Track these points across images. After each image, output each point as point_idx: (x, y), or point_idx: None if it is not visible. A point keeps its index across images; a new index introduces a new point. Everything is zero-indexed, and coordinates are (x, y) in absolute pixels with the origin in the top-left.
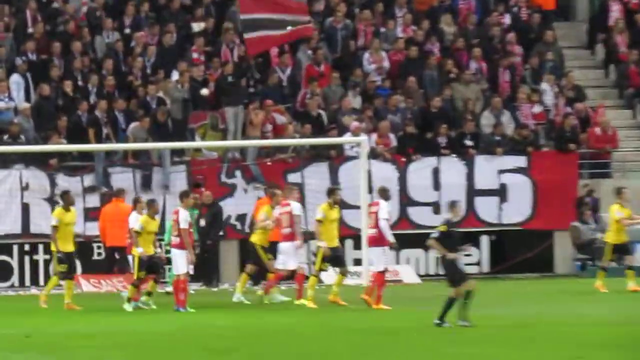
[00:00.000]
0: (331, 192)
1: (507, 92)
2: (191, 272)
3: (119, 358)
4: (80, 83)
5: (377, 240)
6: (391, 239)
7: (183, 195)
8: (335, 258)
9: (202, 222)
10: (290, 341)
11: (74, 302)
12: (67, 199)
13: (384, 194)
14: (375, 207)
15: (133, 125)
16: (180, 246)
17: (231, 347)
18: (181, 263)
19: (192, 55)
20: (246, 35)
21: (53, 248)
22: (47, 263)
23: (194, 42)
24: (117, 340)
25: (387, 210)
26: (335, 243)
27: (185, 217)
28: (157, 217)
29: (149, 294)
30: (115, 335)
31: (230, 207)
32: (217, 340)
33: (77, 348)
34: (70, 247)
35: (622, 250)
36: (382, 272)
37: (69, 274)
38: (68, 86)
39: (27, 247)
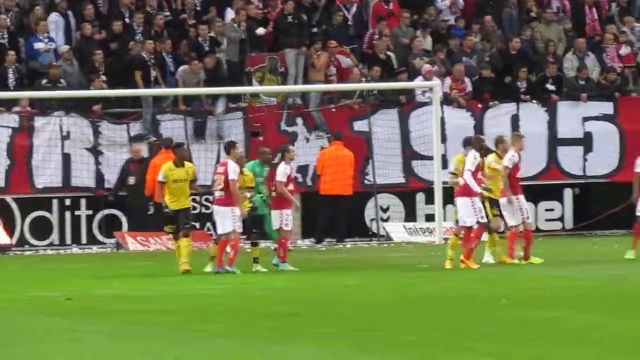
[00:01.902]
0: (477, 140)
1: (592, 32)
2: (239, 230)
3: (166, 324)
4: (126, 21)
5: (464, 191)
6: (476, 188)
7: (230, 146)
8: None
9: (131, 180)
10: (358, 304)
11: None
12: (179, 153)
13: (477, 142)
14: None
15: (182, 68)
16: (227, 202)
17: (295, 311)
18: (228, 221)
19: None
20: None
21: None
22: (89, 219)
23: None
24: (164, 306)
25: (473, 162)
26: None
27: (234, 169)
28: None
29: (255, 260)
30: (163, 298)
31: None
32: (278, 305)
33: (121, 313)
34: (182, 204)
35: None
36: (470, 227)
37: (177, 233)
38: (114, 25)
39: (67, 202)
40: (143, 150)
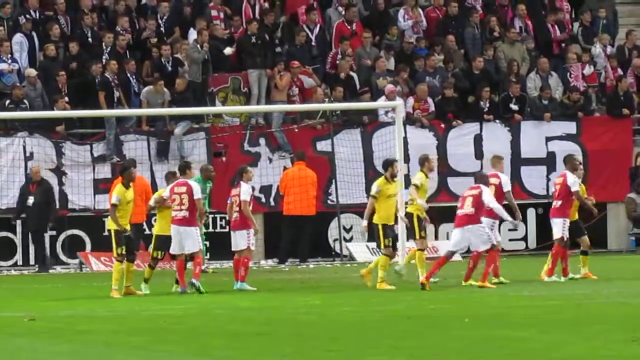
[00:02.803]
0: (389, 164)
1: (555, 52)
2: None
3: (133, 344)
4: (89, 42)
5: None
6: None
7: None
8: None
9: (31, 200)
10: (320, 324)
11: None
12: (128, 176)
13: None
14: (562, 178)
15: (147, 88)
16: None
17: (258, 330)
18: (194, 241)
19: (210, 12)
20: None
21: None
22: (53, 240)
23: None
24: (131, 325)
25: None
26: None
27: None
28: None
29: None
30: (129, 318)
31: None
32: (244, 324)
33: (85, 333)
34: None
35: None
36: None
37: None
38: (75, 46)
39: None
40: (41, 171)
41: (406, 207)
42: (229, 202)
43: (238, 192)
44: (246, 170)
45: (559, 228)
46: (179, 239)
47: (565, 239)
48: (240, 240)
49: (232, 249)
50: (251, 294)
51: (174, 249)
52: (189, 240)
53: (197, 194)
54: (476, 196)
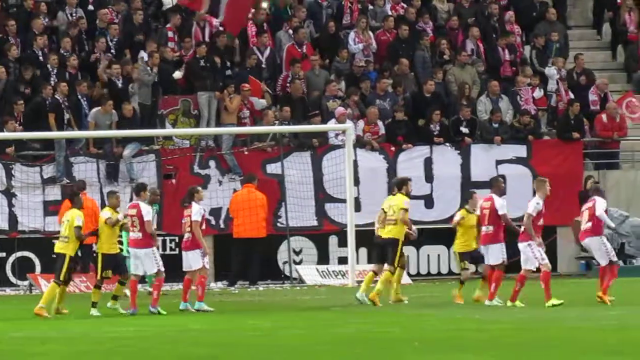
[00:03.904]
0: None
1: (506, 75)
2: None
3: None
4: (40, 63)
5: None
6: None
7: (140, 189)
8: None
9: None
10: (270, 347)
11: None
12: (77, 202)
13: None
14: (489, 202)
15: (95, 110)
16: (146, 243)
17: (208, 353)
18: (150, 262)
19: (166, 33)
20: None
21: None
22: (2, 261)
23: (169, 20)
24: (80, 347)
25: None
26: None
27: (148, 210)
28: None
29: (115, 297)
30: (79, 341)
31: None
32: (194, 346)
33: (37, 355)
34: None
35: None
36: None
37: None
38: (26, 68)
39: None
40: None
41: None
42: (183, 222)
43: (190, 213)
44: (197, 190)
45: (497, 253)
46: (134, 260)
47: (505, 262)
48: (193, 260)
49: (184, 269)
50: (202, 315)
51: (133, 269)
52: (146, 261)
53: (147, 215)
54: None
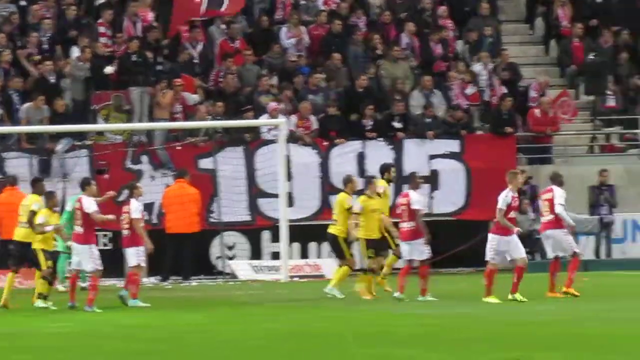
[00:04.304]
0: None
1: (438, 70)
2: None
3: None
4: None
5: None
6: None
7: (85, 183)
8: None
9: None
10: (204, 342)
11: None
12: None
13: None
14: (406, 198)
15: (26, 105)
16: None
17: (144, 349)
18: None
19: (97, 29)
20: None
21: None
22: None
23: (100, 15)
24: (18, 343)
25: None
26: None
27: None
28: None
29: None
30: (11, 336)
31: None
32: (127, 342)
33: None
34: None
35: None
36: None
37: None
38: None
39: None
40: None
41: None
42: (121, 218)
43: (128, 210)
44: (136, 186)
45: (421, 249)
46: (75, 255)
47: (430, 257)
48: (130, 257)
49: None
50: (136, 311)
51: (72, 264)
52: (83, 257)
53: (89, 208)
54: None
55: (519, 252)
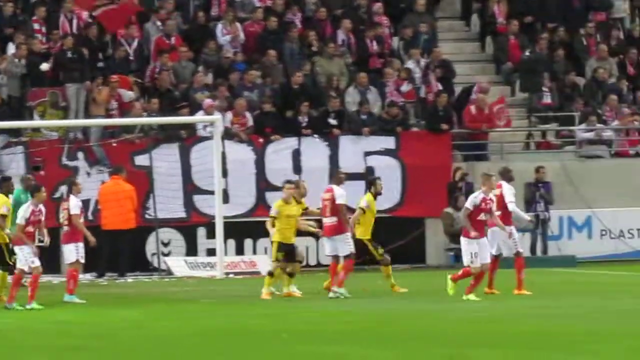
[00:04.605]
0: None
1: (374, 67)
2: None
3: None
4: None
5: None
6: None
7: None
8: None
9: None
10: (139, 339)
11: None
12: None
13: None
14: (329, 193)
15: None
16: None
17: (79, 344)
18: (69, 252)
19: (32, 26)
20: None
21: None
22: None
23: (34, 12)
24: None
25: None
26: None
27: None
28: None
29: None
30: None
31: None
32: (62, 338)
33: None
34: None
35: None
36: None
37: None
38: None
39: None
40: None
41: None
42: (61, 215)
43: (67, 206)
44: (75, 182)
45: (344, 244)
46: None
47: (353, 252)
48: (69, 253)
49: (66, 262)
50: (71, 307)
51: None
52: (20, 256)
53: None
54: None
55: (484, 256)
